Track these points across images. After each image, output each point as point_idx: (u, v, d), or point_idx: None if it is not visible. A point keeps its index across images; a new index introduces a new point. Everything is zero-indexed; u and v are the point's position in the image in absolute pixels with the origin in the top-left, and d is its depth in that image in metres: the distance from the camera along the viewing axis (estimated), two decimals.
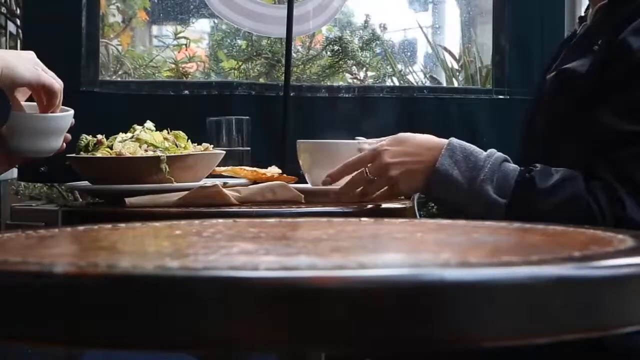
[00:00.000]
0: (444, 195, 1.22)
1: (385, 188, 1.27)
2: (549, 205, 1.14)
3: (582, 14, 1.36)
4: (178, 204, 1.28)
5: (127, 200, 1.29)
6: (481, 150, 1.22)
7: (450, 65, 3.14)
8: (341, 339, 0.45)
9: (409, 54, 3.54)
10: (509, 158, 1.22)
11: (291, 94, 2.26)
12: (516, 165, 1.21)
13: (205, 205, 1.26)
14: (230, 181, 1.43)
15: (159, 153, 1.36)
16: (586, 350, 1.07)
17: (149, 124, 1.43)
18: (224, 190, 1.28)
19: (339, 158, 1.32)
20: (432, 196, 1.28)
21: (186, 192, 1.29)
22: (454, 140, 1.23)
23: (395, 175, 1.23)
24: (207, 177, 1.44)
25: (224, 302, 0.45)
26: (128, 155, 1.37)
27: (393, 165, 1.23)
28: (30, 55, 1.20)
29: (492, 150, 1.22)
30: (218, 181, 1.37)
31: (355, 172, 1.28)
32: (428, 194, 1.27)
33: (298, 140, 1.47)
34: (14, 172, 2.46)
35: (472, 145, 1.23)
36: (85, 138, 1.42)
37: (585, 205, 1.12)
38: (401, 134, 1.27)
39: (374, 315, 0.45)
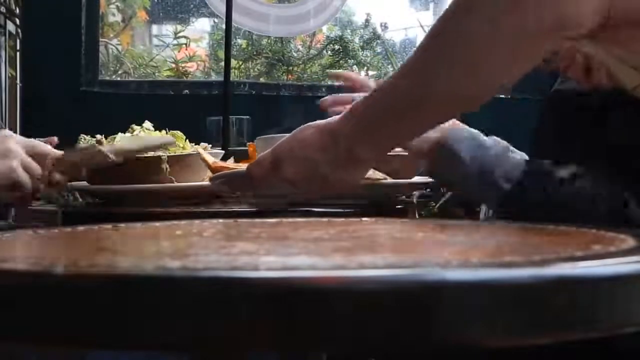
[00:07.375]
0: None
1: None
2: None
3: None
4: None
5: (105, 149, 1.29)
6: None
7: None
8: (341, 339, 0.45)
9: (410, 53, 3.54)
10: None
11: (291, 93, 2.26)
12: None
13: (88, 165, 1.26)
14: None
15: (159, 153, 1.36)
16: (588, 350, 1.06)
17: (147, 124, 1.43)
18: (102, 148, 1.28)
19: None
20: None
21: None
22: None
23: None
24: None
25: (224, 302, 0.45)
26: None
27: None
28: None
29: None
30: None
31: None
32: None
33: (257, 137, 1.55)
34: None
35: None
36: (85, 138, 1.42)
37: None
38: None
39: (374, 315, 0.45)
